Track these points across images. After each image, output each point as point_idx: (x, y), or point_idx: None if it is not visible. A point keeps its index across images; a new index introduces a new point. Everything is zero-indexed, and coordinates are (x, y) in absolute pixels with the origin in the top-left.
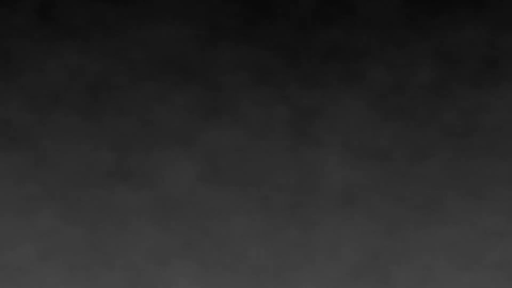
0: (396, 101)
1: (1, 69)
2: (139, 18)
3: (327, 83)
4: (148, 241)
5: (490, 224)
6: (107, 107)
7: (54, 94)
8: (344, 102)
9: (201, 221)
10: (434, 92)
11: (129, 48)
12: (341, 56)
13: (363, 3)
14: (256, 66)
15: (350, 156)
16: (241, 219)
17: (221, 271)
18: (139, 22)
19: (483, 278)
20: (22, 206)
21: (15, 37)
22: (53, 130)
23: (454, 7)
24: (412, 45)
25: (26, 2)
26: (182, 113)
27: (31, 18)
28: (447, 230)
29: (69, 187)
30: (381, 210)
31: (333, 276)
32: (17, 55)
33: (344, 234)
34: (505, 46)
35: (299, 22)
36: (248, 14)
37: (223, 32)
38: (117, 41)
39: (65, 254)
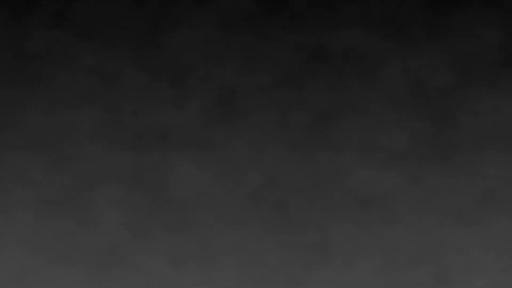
0: (412, 104)
1: (18, 72)
2: (154, 21)
3: (343, 85)
4: (163, 244)
5: (506, 227)
6: (123, 110)
7: (70, 96)
8: (360, 104)
9: (216, 225)
10: (450, 94)
11: (145, 50)
12: (356, 58)
13: (379, 5)
14: (271, 68)
15: (366, 159)
16: (256, 222)
17: (235, 275)
18: (154, 24)
19: (498, 281)
20: (38, 208)
21: (32, 41)
22: (68, 132)
23: (470, 9)
24: (428, 47)
25: (43, 6)
26: (197, 116)
27: (48, 22)
28: (463, 233)
29: (84, 189)
30: (397, 213)
31: (349, 280)
32: (34, 58)
33: (361, 238)
34: None
35: (314, 24)
36: (262, 16)
37: (238, 34)
38: (133, 44)
39: (81, 256)
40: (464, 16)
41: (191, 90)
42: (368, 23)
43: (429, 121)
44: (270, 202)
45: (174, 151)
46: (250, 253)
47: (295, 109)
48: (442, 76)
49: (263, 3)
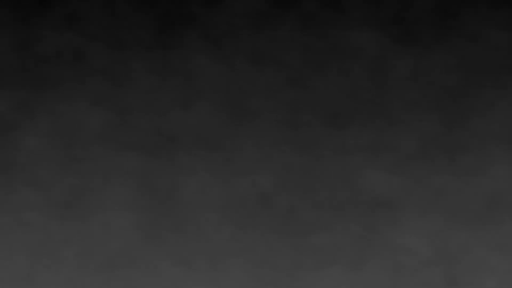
0: (422, 105)
1: (28, 74)
2: (164, 23)
3: (353, 86)
4: (172, 245)
5: None
6: (132, 112)
7: (79, 98)
8: (370, 105)
9: (224, 226)
10: (459, 95)
11: (154, 52)
12: (366, 59)
13: (388, 6)
14: (281, 69)
15: (375, 160)
16: (265, 224)
17: (244, 276)
18: (163, 26)
19: (508, 282)
20: (46, 210)
21: (42, 43)
22: (78, 133)
23: (478, 10)
24: (437, 48)
25: (52, 9)
26: (206, 117)
27: (58, 24)
28: (472, 234)
29: (93, 191)
30: (406, 215)
31: (358, 281)
32: (44, 60)
33: (369, 239)
34: None
35: (324, 25)
36: (272, 16)
37: (247, 35)
38: (142, 45)
39: (89, 258)
40: (473, 17)
41: (200, 91)
42: (378, 24)
43: (438, 122)
44: (279, 204)
45: (183, 153)
46: (259, 255)
47: (304, 110)
48: (451, 77)
49: (273, 4)
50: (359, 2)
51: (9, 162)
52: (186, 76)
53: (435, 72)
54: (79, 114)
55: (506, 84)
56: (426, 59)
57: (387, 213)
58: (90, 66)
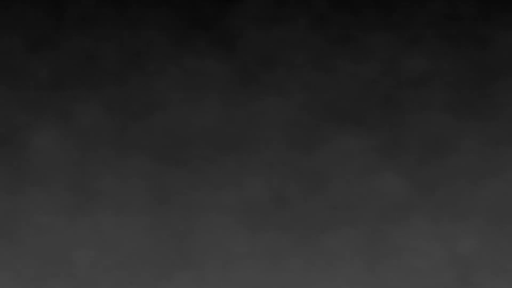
0: (433, 105)
1: (36, 75)
2: (174, 26)
3: (365, 86)
4: (183, 247)
5: None
6: (141, 113)
7: (88, 100)
8: (382, 108)
9: (236, 228)
10: (471, 97)
11: (166, 54)
12: (378, 60)
13: (400, 8)
14: (293, 70)
15: (386, 162)
16: (278, 226)
17: (255, 277)
18: (174, 29)
19: None
20: (58, 214)
21: (58, 45)
22: (86, 135)
23: (488, 12)
24: (448, 49)
25: (67, 12)
26: (218, 117)
27: (72, 27)
28: (484, 237)
29: (100, 193)
30: (417, 217)
31: (369, 284)
32: (52, 61)
33: (381, 241)
34: None
35: (333, 25)
36: (284, 18)
37: (258, 38)
38: (154, 48)
39: (98, 260)
40: (485, 19)
41: (213, 93)
42: (390, 26)
43: (450, 124)
44: (292, 205)
45: (195, 155)
46: (272, 257)
47: (316, 111)
48: (463, 79)
49: (284, 6)
50: (370, 4)
51: (21, 164)
52: (199, 78)
53: (447, 74)
54: (91, 116)
55: None
56: (438, 61)
57: (399, 215)
58: (102, 68)
